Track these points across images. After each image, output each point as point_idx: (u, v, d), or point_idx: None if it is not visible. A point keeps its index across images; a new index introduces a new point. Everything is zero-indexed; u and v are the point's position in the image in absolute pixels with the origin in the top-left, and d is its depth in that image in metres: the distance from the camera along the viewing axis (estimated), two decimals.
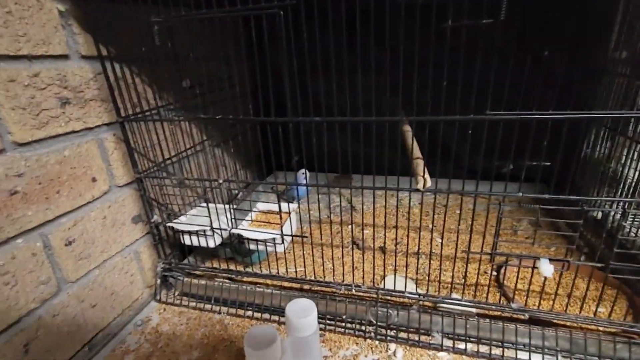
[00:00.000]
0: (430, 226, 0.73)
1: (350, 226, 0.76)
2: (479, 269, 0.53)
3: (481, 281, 0.57)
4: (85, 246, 0.49)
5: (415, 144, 0.48)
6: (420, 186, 0.40)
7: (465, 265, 0.54)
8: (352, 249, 0.68)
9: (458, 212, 0.76)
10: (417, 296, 0.48)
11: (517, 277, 0.56)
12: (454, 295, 0.51)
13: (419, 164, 0.43)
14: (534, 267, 0.41)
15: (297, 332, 0.34)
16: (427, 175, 0.41)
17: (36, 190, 0.43)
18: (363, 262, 0.54)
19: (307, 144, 0.45)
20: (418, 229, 0.70)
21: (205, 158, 0.73)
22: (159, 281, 0.60)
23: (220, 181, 0.49)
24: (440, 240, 0.68)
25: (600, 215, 0.66)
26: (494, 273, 0.59)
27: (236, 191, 0.67)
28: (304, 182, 0.81)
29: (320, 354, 0.42)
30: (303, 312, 0.35)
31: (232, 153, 0.85)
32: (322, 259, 0.54)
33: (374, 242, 0.52)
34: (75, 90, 0.47)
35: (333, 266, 0.60)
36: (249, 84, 0.85)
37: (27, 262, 0.42)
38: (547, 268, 0.39)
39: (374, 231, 0.53)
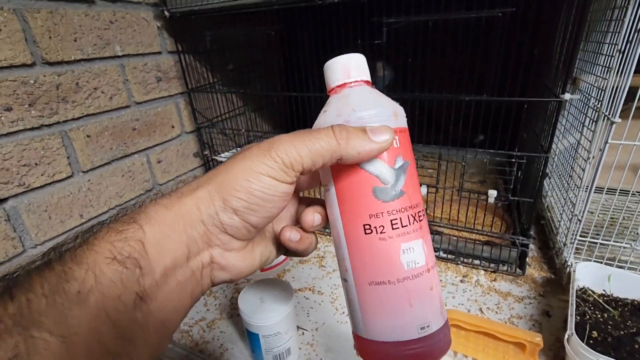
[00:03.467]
0: None
1: None
2: None
3: None
4: (167, 165, 0.84)
5: None
6: None
7: None
8: None
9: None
10: None
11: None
12: None
13: None
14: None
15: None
16: None
17: (144, 129, 0.77)
18: None
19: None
20: None
21: (245, 118, 1.05)
22: None
23: (243, 130, 0.80)
24: None
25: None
26: None
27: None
28: None
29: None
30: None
31: (265, 118, 1.16)
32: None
33: None
34: (164, 72, 0.80)
35: None
36: (279, 66, 1.14)
37: (139, 168, 0.77)
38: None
39: None
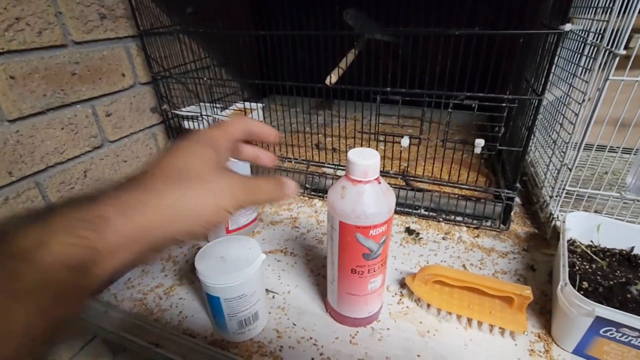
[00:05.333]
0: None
1: (317, 136, 0.97)
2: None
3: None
4: (118, 120, 0.74)
5: (345, 59, 0.65)
6: (327, 82, 0.59)
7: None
8: (312, 148, 0.88)
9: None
10: (333, 167, 0.70)
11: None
12: None
13: (335, 69, 0.62)
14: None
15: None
16: (333, 76, 0.59)
17: (87, 75, 0.66)
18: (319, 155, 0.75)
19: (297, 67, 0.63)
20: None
21: (208, 71, 0.94)
22: None
23: (205, 78, 0.70)
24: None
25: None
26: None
27: (222, 94, 0.87)
28: None
29: None
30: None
31: (230, 70, 1.05)
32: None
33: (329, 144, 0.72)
34: (109, 9, 0.68)
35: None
36: (247, 12, 1.02)
37: (83, 120, 0.67)
38: (405, 141, 0.58)
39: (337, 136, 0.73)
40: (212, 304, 0.41)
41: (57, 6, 0.60)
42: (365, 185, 0.35)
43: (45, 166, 0.61)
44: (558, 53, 0.57)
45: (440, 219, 0.63)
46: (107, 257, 0.21)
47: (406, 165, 0.73)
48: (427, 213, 0.64)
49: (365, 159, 0.35)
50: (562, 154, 0.53)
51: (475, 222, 0.62)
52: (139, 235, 0.22)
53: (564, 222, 0.49)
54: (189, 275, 0.53)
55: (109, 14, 0.69)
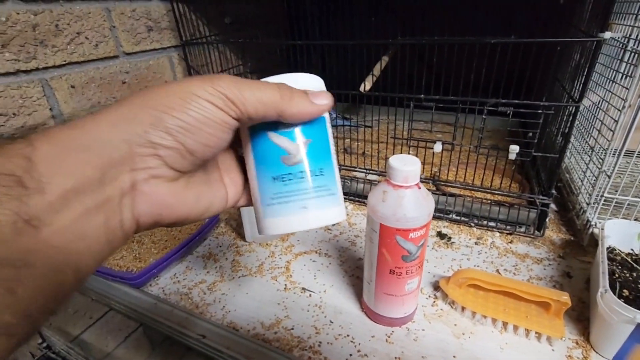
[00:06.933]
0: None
1: (346, 140, 0.99)
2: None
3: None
4: None
5: (378, 65, 0.67)
6: (361, 89, 0.61)
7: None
8: (343, 152, 0.90)
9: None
10: (364, 172, 0.71)
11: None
12: None
13: (369, 76, 0.64)
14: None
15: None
16: (368, 83, 0.61)
17: (135, 83, 0.71)
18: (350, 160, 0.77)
19: (325, 74, 0.67)
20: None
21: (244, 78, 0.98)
22: None
23: None
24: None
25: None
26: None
27: None
28: None
29: None
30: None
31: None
32: None
33: (357, 148, 0.74)
34: (155, 21, 0.73)
35: None
36: (279, 23, 1.06)
37: None
38: (437, 147, 0.59)
39: (363, 141, 0.75)
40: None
41: (112, 20, 0.65)
42: (406, 190, 0.37)
43: None
44: (606, 64, 0.56)
45: (472, 224, 0.64)
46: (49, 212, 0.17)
47: (437, 170, 0.74)
48: (458, 218, 0.65)
49: (406, 165, 0.36)
50: (600, 160, 0.52)
51: (508, 227, 0.62)
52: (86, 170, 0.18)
53: (602, 229, 0.48)
54: (229, 271, 0.56)
55: (155, 26, 0.73)
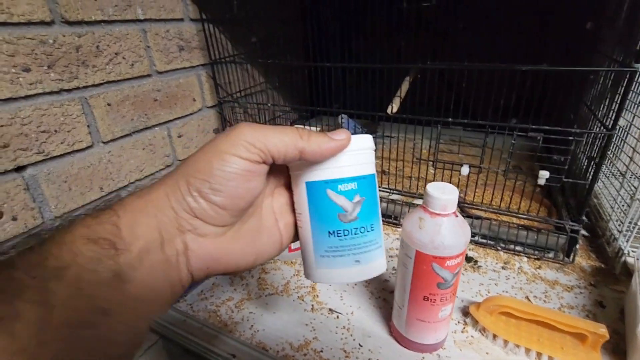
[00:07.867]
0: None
1: None
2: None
3: None
4: (187, 140, 0.80)
5: (403, 87, 0.68)
6: (388, 111, 0.62)
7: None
8: None
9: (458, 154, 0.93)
10: (387, 191, 0.71)
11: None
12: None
13: (396, 98, 0.64)
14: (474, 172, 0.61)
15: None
16: (395, 105, 0.62)
17: (165, 100, 0.73)
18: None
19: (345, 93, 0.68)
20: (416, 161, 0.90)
21: (267, 95, 1.00)
22: None
23: (269, 104, 0.75)
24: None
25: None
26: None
27: (280, 114, 0.92)
28: (346, 124, 1.04)
29: None
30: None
31: (286, 94, 1.11)
32: None
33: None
34: (186, 41, 0.76)
35: None
36: (301, 41, 1.08)
37: (160, 141, 0.74)
38: (464, 170, 0.59)
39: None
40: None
41: (147, 41, 0.67)
42: (443, 218, 0.37)
43: (127, 182, 0.68)
44: (632, 89, 0.56)
45: (499, 248, 0.63)
46: (133, 265, 0.21)
47: (462, 192, 0.74)
48: (484, 241, 0.64)
49: (445, 194, 0.37)
50: (634, 188, 0.52)
51: (536, 252, 0.61)
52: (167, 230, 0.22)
53: (638, 259, 0.47)
54: (256, 290, 0.57)
55: (186, 46, 0.76)
